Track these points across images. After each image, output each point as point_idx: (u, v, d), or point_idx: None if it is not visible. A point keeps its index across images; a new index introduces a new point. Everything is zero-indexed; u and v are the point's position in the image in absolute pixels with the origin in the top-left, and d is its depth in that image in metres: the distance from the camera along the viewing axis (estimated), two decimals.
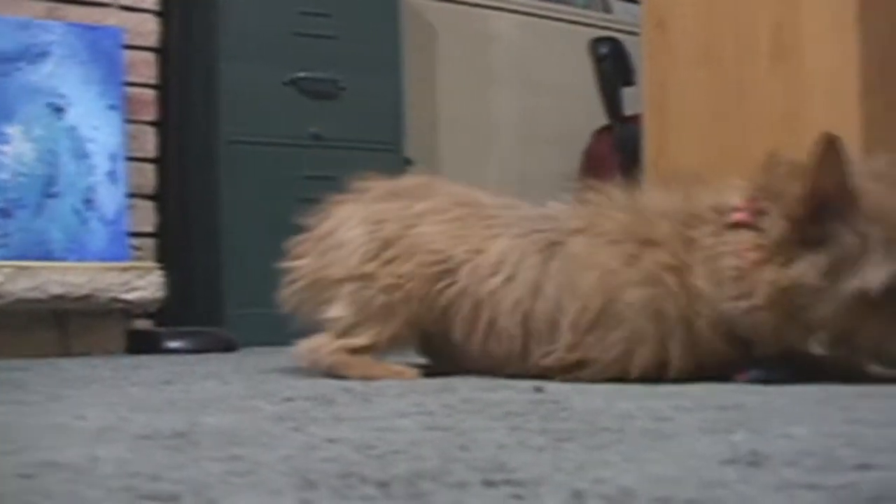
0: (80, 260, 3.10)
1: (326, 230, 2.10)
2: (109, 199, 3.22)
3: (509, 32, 4.97)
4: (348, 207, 2.12)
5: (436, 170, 4.43)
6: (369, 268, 2.02)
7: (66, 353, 3.00)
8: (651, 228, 1.84)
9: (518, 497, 0.81)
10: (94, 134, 3.24)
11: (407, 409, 1.43)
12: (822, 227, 1.66)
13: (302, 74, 3.63)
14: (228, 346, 3.12)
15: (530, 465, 0.95)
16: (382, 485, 0.86)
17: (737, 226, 1.76)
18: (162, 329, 3.29)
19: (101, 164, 3.23)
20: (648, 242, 1.84)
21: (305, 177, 3.47)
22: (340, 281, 2.04)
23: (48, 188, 3.15)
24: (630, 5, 5.07)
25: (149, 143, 3.50)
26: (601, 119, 4.86)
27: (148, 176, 3.49)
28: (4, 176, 3.10)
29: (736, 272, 1.73)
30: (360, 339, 2.02)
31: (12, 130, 3.14)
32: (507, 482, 0.86)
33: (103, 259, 3.13)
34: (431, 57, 4.68)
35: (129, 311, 3.14)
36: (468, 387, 1.76)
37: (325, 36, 3.68)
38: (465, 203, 2.10)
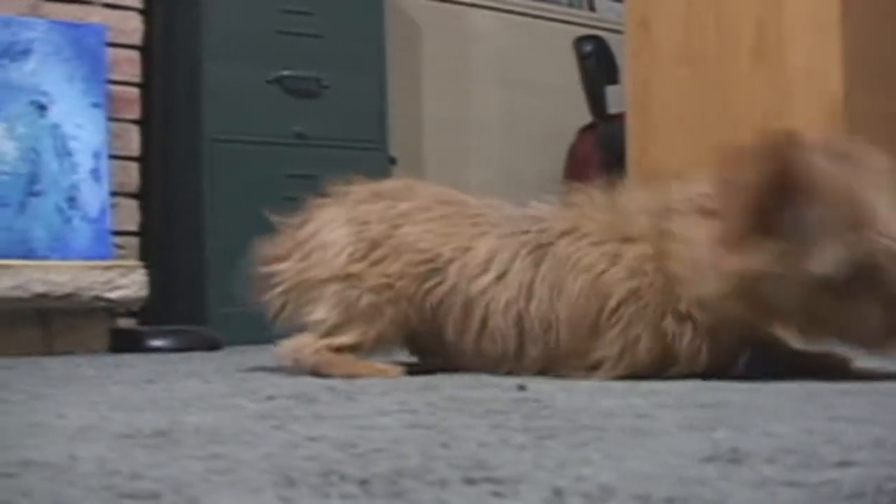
0: (63, 258, 3.09)
1: (309, 233, 2.10)
2: (93, 197, 3.21)
3: (494, 31, 4.97)
4: (330, 210, 2.11)
5: (420, 168, 4.43)
6: (356, 268, 2.02)
7: (49, 351, 2.99)
8: (630, 225, 1.86)
9: (498, 495, 0.81)
10: (78, 132, 3.23)
11: (389, 408, 1.43)
12: (780, 215, 1.66)
13: (285, 73, 3.63)
14: (212, 345, 3.12)
15: (511, 463, 0.95)
16: (363, 483, 0.86)
17: (707, 214, 1.77)
18: (145, 328, 3.28)
19: (85, 162, 3.22)
20: (628, 239, 1.85)
21: (289, 175, 3.46)
22: (326, 281, 2.04)
23: (31, 186, 3.14)
24: (614, 4, 5.07)
25: (132, 141, 3.50)
26: (585, 117, 4.87)
27: (131, 174, 3.49)
28: None
29: (705, 260, 1.74)
30: (344, 338, 2.02)
31: None
32: (488, 480, 0.86)
33: (86, 257, 3.12)
34: (415, 55, 4.67)
35: (112, 309, 3.14)
36: (452, 385, 1.76)
37: (308, 34, 3.67)
38: (449, 202, 2.11)
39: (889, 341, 1.68)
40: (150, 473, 0.92)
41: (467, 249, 1.99)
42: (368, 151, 3.68)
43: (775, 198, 1.65)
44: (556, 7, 5.24)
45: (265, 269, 2.10)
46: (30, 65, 3.20)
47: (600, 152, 4.69)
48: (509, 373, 1.93)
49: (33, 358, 2.82)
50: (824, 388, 1.61)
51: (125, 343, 3.11)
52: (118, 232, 3.37)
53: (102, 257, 3.15)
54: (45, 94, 3.20)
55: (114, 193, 3.33)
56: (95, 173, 3.23)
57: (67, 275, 2.95)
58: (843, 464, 0.91)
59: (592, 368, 1.87)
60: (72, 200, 3.18)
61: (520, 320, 1.93)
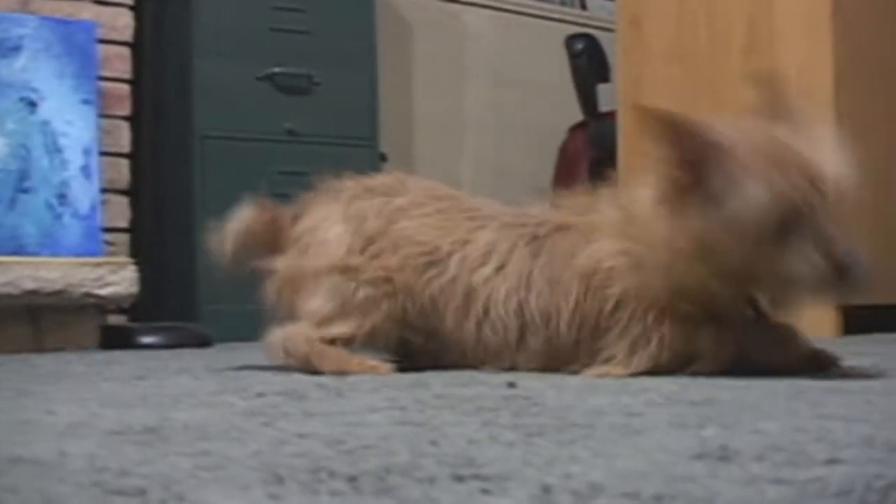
0: (53, 255, 3.09)
1: (306, 228, 2.10)
2: (83, 193, 3.21)
3: (485, 28, 4.97)
4: (326, 206, 2.11)
5: (411, 165, 4.43)
6: (354, 261, 2.02)
7: (40, 348, 2.99)
8: (619, 221, 1.88)
9: (486, 492, 0.81)
10: (68, 128, 3.22)
11: (379, 405, 1.43)
12: (706, 184, 1.70)
13: (276, 70, 3.63)
14: (202, 342, 3.12)
15: (500, 460, 0.95)
16: (351, 479, 0.86)
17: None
18: (135, 324, 3.28)
19: (75, 158, 3.22)
20: (618, 235, 1.87)
21: (280, 172, 3.46)
22: (323, 272, 2.04)
23: (21, 183, 3.14)
24: (606, 2, 5.08)
25: (123, 137, 3.49)
26: (577, 115, 4.87)
27: (122, 171, 3.48)
28: None
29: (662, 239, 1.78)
30: (338, 329, 2.01)
31: None
32: (476, 477, 0.86)
33: (77, 254, 3.11)
34: (406, 52, 4.68)
35: (102, 306, 3.14)
36: (442, 382, 1.75)
37: (299, 31, 3.67)
38: (442, 197, 2.12)
39: (836, 284, 1.69)
40: (139, 470, 0.92)
41: (466, 242, 2.01)
42: (359, 148, 3.68)
43: (696, 169, 1.69)
44: (548, 5, 5.24)
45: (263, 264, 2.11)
46: (20, 61, 3.19)
47: (591, 150, 4.70)
48: (512, 368, 1.94)
49: (23, 355, 2.81)
50: (814, 386, 1.61)
51: (115, 340, 3.11)
52: (108, 229, 3.37)
53: (93, 254, 3.14)
54: (35, 90, 3.20)
55: (104, 190, 3.33)
56: (86, 170, 3.22)
57: (58, 271, 2.95)
58: (832, 461, 0.91)
59: (605, 363, 1.88)
60: (62, 197, 3.18)
61: (521, 310, 1.94)
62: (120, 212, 3.46)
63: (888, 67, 3.33)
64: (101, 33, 3.38)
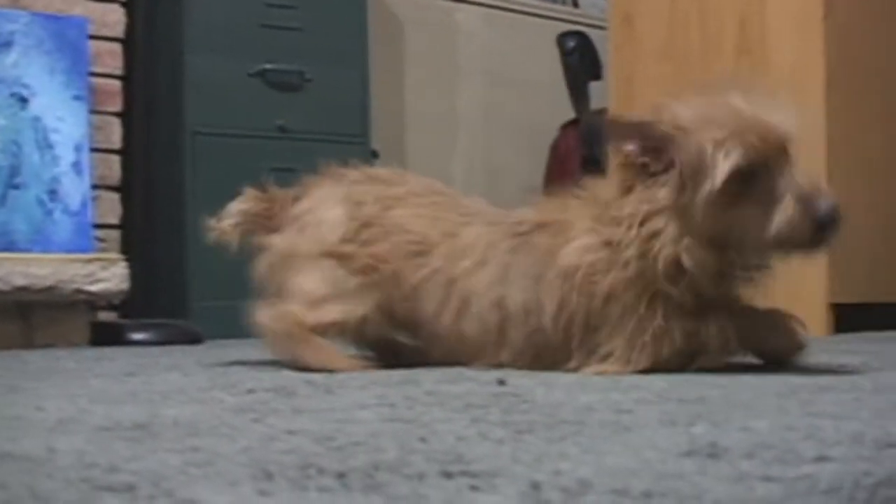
0: (44, 251, 3.09)
1: (304, 208, 2.11)
2: (74, 190, 3.20)
3: (476, 26, 4.97)
4: (327, 188, 2.13)
5: (402, 163, 4.42)
6: (349, 248, 2.03)
7: (30, 344, 2.99)
8: (608, 218, 1.89)
9: (475, 488, 0.81)
10: (59, 124, 3.22)
11: (368, 401, 1.43)
12: (674, 163, 1.78)
13: (268, 66, 3.62)
14: (193, 339, 3.11)
15: (489, 457, 0.95)
16: (340, 476, 0.86)
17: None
18: (126, 321, 3.28)
19: (66, 154, 3.21)
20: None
21: (271, 169, 3.44)
22: (318, 256, 2.04)
23: (12, 179, 3.13)
24: (598, 0, 5.08)
25: (114, 134, 3.49)
26: (568, 113, 4.87)
27: (113, 167, 3.48)
28: None
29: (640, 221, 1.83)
30: (330, 315, 2.01)
31: None
32: (465, 473, 0.86)
33: (67, 250, 3.11)
34: (398, 49, 4.67)
35: (93, 302, 3.13)
36: (431, 379, 1.76)
37: (291, 28, 3.67)
38: (439, 192, 2.16)
39: (814, 239, 1.73)
40: (128, 466, 0.92)
41: (453, 235, 2.02)
42: (351, 145, 3.68)
43: (655, 152, 1.79)
44: (540, 3, 5.24)
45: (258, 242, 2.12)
46: (11, 57, 3.18)
47: (583, 148, 4.69)
48: (499, 365, 1.94)
49: (13, 351, 2.81)
50: (803, 384, 1.61)
51: (106, 336, 3.10)
52: (99, 225, 3.36)
53: (83, 250, 3.14)
54: (26, 86, 3.19)
55: (95, 186, 3.32)
56: (77, 166, 3.22)
57: (48, 268, 2.95)
58: (821, 459, 0.91)
59: (602, 360, 1.88)
60: (53, 193, 3.17)
61: (500, 303, 1.94)
62: (111, 208, 3.45)
63: (880, 68, 3.34)
64: (92, 29, 3.37)
